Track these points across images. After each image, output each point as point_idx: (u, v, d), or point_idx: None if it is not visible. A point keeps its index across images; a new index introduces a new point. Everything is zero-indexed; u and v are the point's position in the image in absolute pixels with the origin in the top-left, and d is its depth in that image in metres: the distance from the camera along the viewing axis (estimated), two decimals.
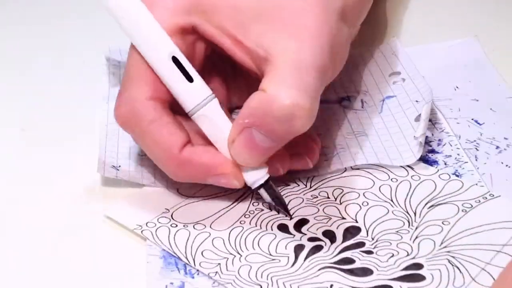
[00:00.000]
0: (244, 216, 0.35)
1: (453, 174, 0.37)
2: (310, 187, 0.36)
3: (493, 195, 0.35)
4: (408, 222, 0.34)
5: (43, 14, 0.55)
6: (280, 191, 0.36)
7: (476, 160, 0.38)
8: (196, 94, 0.33)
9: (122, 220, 0.34)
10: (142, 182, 0.37)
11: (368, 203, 0.35)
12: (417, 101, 0.41)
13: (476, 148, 0.39)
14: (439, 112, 0.42)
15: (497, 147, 0.39)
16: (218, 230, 0.34)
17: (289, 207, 0.35)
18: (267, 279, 0.31)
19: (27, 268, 0.32)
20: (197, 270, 0.31)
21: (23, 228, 0.35)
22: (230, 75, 0.39)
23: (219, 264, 0.32)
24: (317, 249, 0.33)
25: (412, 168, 0.37)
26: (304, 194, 0.36)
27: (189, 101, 0.34)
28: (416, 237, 0.33)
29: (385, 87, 0.44)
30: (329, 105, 0.43)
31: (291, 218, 0.35)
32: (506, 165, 0.37)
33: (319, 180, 0.37)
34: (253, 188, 0.35)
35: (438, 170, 0.37)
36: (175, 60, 0.33)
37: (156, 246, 0.33)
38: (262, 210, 0.35)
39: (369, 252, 0.32)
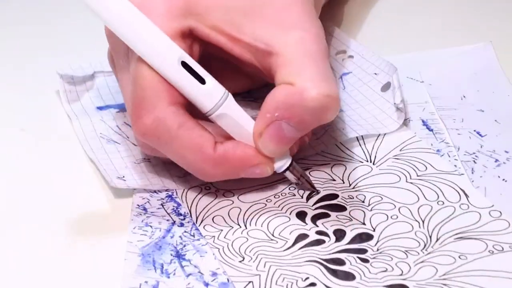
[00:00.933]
0: (274, 196, 0.36)
1: None
2: (351, 186, 0.37)
3: None
4: (425, 245, 0.32)
5: (43, 14, 0.56)
6: (317, 182, 0.37)
7: (473, 173, 0.37)
8: (212, 94, 0.34)
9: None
10: (152, 187, 0.36)
11: (397, 217, 0.34)
12: (375, 73, 0.43)
13: (474, 161, 0.38)
14: (442, 122, 0.41)
15: (496, 160, 0.38)
16: (242, 201, 0.36)
17: (321, 199, 0.36)
18: (253, 254, 0.32)
19: (27, 268, 0.32)
20: (174, 271, 0.31)
21: (23, 228, 0.35)
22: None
23: (221, 231, 0.34)
24: (318, 242, 0.33)
25: (467, 197, 0.35)
26: (342, 192, 0.36)
27: (207, 103, 0.34)
28: (422, 262, 0.32)
29: (337, 65, 0.45)
30: None
31: (318, 192, 0.36)
32: (503, 179, 0.36)
33: (365, 184, 0.37)
34: (279, 172, 0.35)
35: (492, 205, 0.34)
36: (184, 64, 0.33)
37: (136, 244, 0.33)
38: (294, 195, 0.36)
39: (365, 261, 0.32)
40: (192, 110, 0.35)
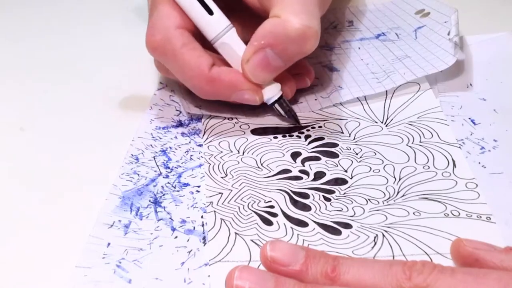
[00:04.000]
0: (282, 136, 0.40)
1: None
2: (354, 140, 0.40)
3: (489, 219, 0.33)
4: (389, 197, 0.35)
5: (43, 14, 0.57)
6: (330, 134, 0.40)
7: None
8: (216, 24, 0.39)
9: (194, 111, 0.42)
10: (221, 115, 0.43)
11: (379, 171, 0.37)
12: (445, 21, 0.46)
13: (459, 147, 0.39)
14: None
15: (482, 148, 0.38)
16: (252, 134, 0.40)
17: (322, 145, 0.39)
18: (235, 173, 0.37)
19: (27, 267, 0.32)
20: (148, 214, 0.35)
21: (23, 228, 0.35)
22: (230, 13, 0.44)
23: (221, 152, 0.39)
24: (296, 178, 0.37)
25: (454, 167, 0.37)
26: (343, 143, 0.39)
27: (211, 31, 0.40)
28: (377, 210, 0.34)
29: (413, 21, 0.49)
30: (370, 41, 0.50)
31: (301, 125, 0.41)
32: (482, 166, 0.37)
33: (368, 140, 0.39)
34: (269, 104, 0.41)
35: (473, 178, 0.36)
36: None
37: (120, 188, 0.36)
38: (300, 138, 0.40)
39: (327, 199, 0.35)
40: (202, 42, 0.40)
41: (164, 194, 0.36)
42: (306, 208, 0.34)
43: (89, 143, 0.41)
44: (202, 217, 0.34)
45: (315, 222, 0.34)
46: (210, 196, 0.35)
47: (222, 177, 0.37)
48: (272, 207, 0.34)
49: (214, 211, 0.34)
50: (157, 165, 0.38)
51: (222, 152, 0.39)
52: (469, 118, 0.41)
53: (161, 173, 0.38)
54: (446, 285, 0.26)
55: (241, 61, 0.39)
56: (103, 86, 0.47)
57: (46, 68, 0.50)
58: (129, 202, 0.35)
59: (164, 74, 0.42)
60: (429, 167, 0.37)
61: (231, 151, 0.39)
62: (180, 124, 0.42)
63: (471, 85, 0.44)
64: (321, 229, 0.33)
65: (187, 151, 0.39)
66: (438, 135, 0.39)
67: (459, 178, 0.36)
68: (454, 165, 0.37)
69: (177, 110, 0.43)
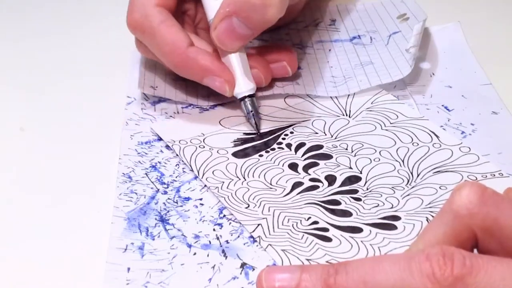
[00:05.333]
0: (266, 151, 0.39)
1: None
2: (334, 137, 0.40)
3: (502, 174, 0.36)
4: (408, 180, 0.36)
5: (43, 14, 0.56)
6: (305, 135, 0.40)
7: None
8: None
9: (161, 135, 0.40)
10: (175, 99, 0.43)
11: (379, 160, 0.38)
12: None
13: (427, 119, 0.40)
14: (412, 98, 0.43)
15: (463, 132, 0.40)
16: (236, 157, 0.39)
17: (308, 150, 0.39)
18: (256, 201, 0.35)
19: (28, 267, 0.32)
20: (158, 234, 0.33)
21: (23, 228, 0.35)
22: None
23: (223, 182, 0.36)
24: (313, 188, 0.36)
25: (438, 137, 0.39)
26: (326, 142, 0.39)
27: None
28: (408, 195, 0.35)
29: (392, 26, 0.49)
30: (342, 43, 0.49)
31: (258, 133, 0.40)
32: (468, 148, 0.38)
33: (346, 134, 0.40)
34: (238, 98, 0.41)
35: (461, 142, 0.38)
36: None
37: (122, 209, 0.34)
38: (283, 149, 0.39)
39: (357, 199, 0.35)
40: (182, 23, 0.42)
41: (168, 211, 0.34)
42: (347, 214, 0.34)
43: (89, 142, 0.41)
44: (214, 230, 0.33)
45: (366, 224, 0.33)
46: (253, 231, 0.33)
47: (246, 208, 0.35)
48: (316, 222, 0.34)
49: (270, 244, 0.32)
50: (152, 182, 0.36)
51: (223, 182, 0.36)
52: (442, 105, 0.42)
53: (158, 189, 0.36)
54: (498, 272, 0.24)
55: (210, 29, 0.40)
56: (104, 86, 0.46)
57: (46, 68, 0.48)
58: (136, 223, 0.34)
59: (144, 54, 0.43)
60: (417, 143, 0.39)
61: (231, 179, 0.37)
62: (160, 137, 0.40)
63: (433, 74, 0.46)
64: (377, 229, 0.33)
65: (178, 164, 0.38)
66: (402, 114, 0.41)
67: (450, 145, 0.38)
68: (437, 136, 0.39)
69: (153, 122, 0.41)
